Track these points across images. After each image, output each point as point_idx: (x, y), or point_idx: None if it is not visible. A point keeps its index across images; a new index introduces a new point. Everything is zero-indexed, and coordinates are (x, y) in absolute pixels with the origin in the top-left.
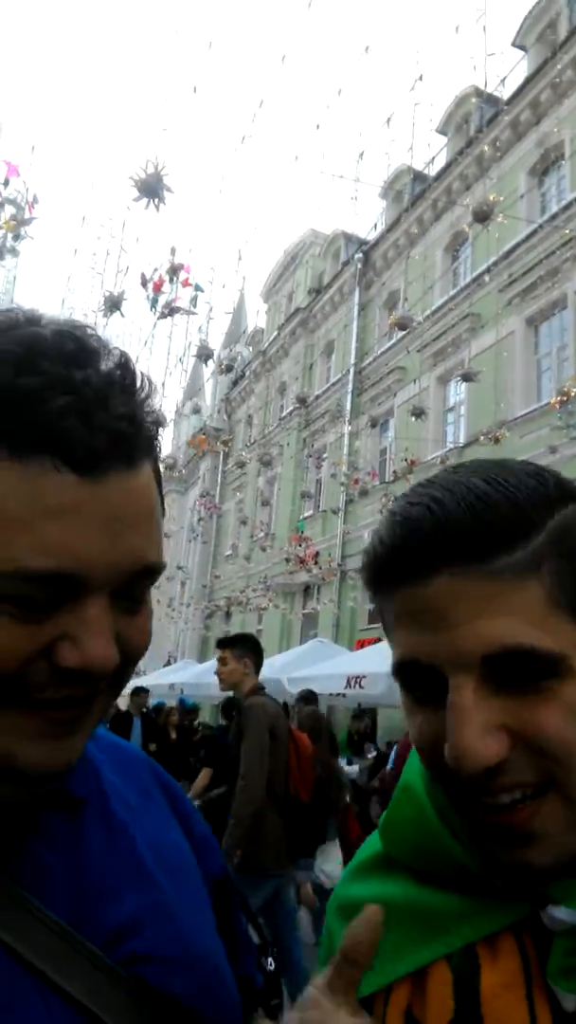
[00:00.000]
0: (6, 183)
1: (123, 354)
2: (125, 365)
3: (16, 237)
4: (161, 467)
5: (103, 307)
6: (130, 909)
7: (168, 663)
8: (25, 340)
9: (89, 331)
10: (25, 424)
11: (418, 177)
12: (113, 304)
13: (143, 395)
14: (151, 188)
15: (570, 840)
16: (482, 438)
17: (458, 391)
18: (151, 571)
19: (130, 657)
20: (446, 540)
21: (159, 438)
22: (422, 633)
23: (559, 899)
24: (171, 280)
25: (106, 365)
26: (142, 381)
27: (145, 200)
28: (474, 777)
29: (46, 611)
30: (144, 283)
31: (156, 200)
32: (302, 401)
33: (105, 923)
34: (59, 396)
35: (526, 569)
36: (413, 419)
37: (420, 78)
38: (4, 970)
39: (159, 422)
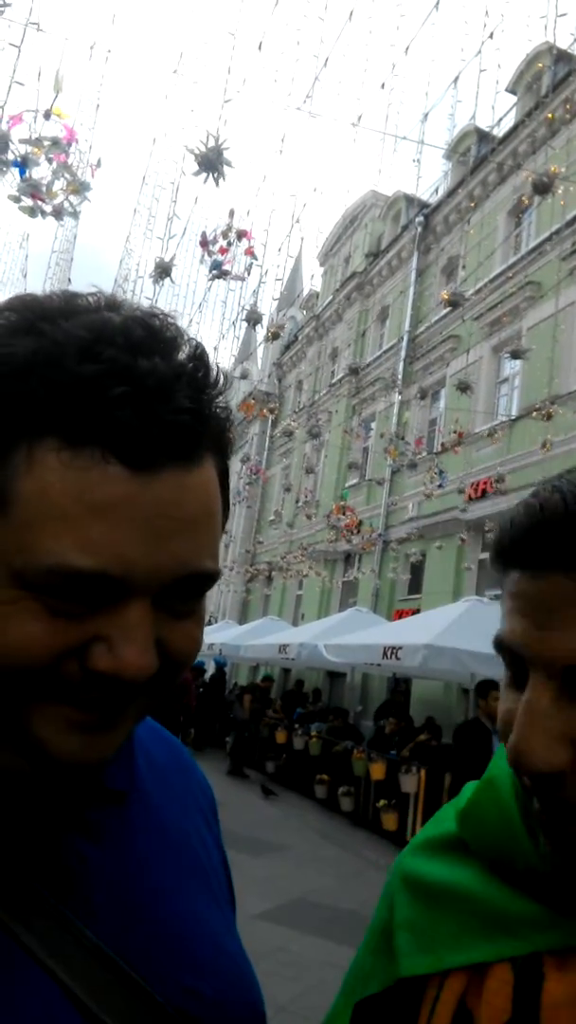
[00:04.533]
0: (67, 147)
1: (199, 345)
2: (199, 357)
3: (76, 202)
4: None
5: (153, 273)
6: (178, 922)
7: (208, 623)
8: (95, 326)
9: (168, 320)
10: (78, 413)
11: (484, 139)
12: (163, 270)
13: (214, 390)
14: (211, 162)
15: None
16: (534, 414)
17: (513, 363)
18: (202, 577)
19: (173, 663)
20: (565, 546)
21: (230, 435)
22: (521, 622)
23: None
24: (230, 244)
25: (178, 356)
26: (216, 375)
27: (207, 175)
28: (531, 778)
29: (84, 609)
30: (204, 243)
31: (215, 174)
32: (354, 371)
33: (152, 939)
34: (117, 385)
35: None
36: (461, 393)
37: (491, 36)
38: (45, 994)
39: (229, 418)
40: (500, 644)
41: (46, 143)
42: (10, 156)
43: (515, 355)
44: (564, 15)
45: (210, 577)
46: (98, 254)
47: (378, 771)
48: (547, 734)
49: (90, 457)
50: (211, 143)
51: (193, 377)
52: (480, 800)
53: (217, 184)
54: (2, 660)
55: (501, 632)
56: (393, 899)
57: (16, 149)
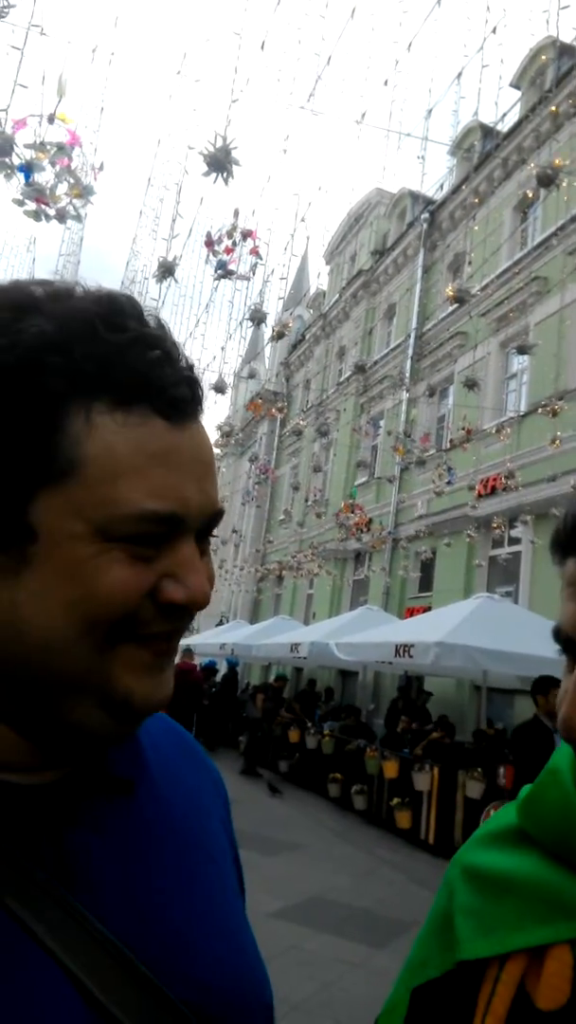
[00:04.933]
0: (71, 151)
1: (156, 315)
2: (163, 324)
3: (79, 205)
4: (218, 433)
5: (157, 273)
6: (187, 915)
7: (220, 623)
8: (102, 301)
9: (152, 310)
10: (126, 375)
11: (489, 134)
12: (167, 270)
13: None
14: (219, 163)
15: None
16: (540, 410)
17: (520, 359)
18: (220, 516)
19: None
20: None
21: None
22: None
23: None
24: (235, 244)
25: (161, 325)
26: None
27: (216, 176)
28: None
29: (153, 552)
30: (210, 243)
31: (224, 174)
32: (360, 369)
33: (159, 931)
34: (150, 349)
35: None
36: (468, 390)
37: (493, 31)
38: (55, 985)
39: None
40: (558, 632)
41: (51, 148)
42: (15, 160)
43: (522, 351)
44: (567, 7)
45: (220, 514)
46: (105, 256)
47: (391, 769)
48: None
49: (141, 415)
50: (219, 143)
51: (174, 339)
52: (541, 787)
53: (226, 183)
54: (102, 608)
55: (559, 620)
56: (453, 888)
57: (21, 154)
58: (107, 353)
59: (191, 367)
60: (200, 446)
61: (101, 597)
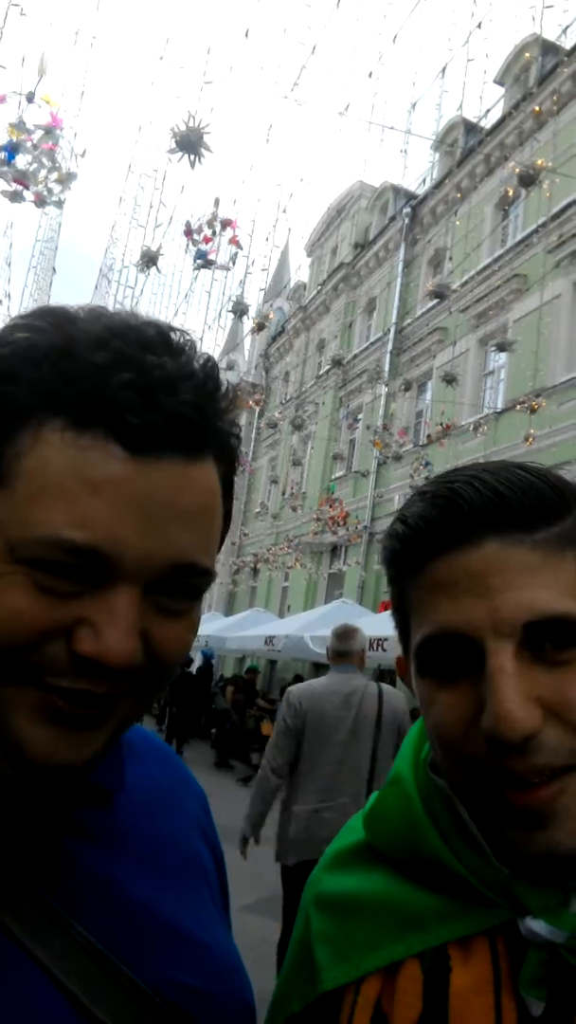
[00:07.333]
0: (57, 135)
1: (210, 359)
2: (210, 369)
3: (58, 191)
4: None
5: (139, 262)
6: (169, 922)
7: None
8: (112, 324)
9: (184, 334)
10: (83, 395)
11: (472, 130)
12: (149, 259)
13: (223, 402)
14: (190, 144)
15: None
16: (518, 407)
17: (498, 356)
18: (195, 572)
19: (160, 662)
20: (494, 508)
21: (236, 449)
22: (462, 600)
23: (537, 912)
24: (215, 234)
25: (189, 364)
26: (226, 390)
27: (182, 155)
28: (511, 747)
29: (72, 589)
30: (189, 232)
31: (194, 156)
32: (337, 363)
33: (142, 935)
34: (123, 372)
35: (565, 543)
36: (446, 385)
37: (479, 25)
38: (38, 988)
39: (235, 433)
40: (433, 640)
41: (37, 132)
42: None
43: (500, 348)
44: (551, 6)
45: (203, 574)
46: (83, 243)
47: None
48: (522, 694)
49: (92, 437)
50: (192, 123)
51: (202, 382)
52: (385, 799)
53: (193, 167)
54: None
55: (436, 626)
56: (309, 914)
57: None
58: (76, 371)
59: (197, 404)
60: (174, 488)
61: None
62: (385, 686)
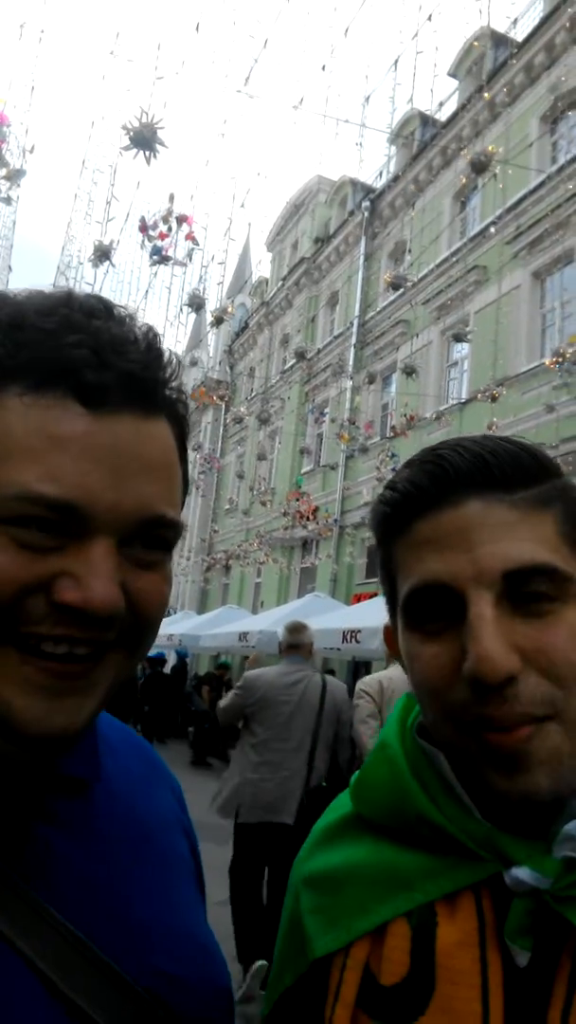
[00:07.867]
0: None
1: (151, 328)
2: (152, 339)
3: (6, 188)
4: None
5: (93, 257)
6: (146, 909)
7: (168, 614)
8: (56, 296)
9: (126, 309)
10: (40, 359)
11: (428, 123)
12: (103, 254)
13: (168, 369)
14: (144, 140)
15: (570, 767)
16: (479, 396)
17: (461, 346)
18: (163, 523)
19: (142, 615)
20: (477, 471)
21: (186, 416)
22: (446, 554)
23: (522, 861)
24: (171, 230)
25: (133, 331)
26: (169, 357)
27: (136, 151)
28: (491, 689)
29: (50, 543)
30: (144, 228)
31: (148, 152)
32: (301, 356)
33: (119, 923)
34: (73, 334)
35: (543, 504)
36: (407, 377)
37: (428, 18)
38: (15, 975)
39: (182, 400)
40: (418, 592)
41: None
42: None
43: (457, 338)
44: None
45: (171, 526)
46: (43, 240)
47: None
48: (502, 638)
49: (52, 397)
50: (145, 119)
51: (145, 348)
52: (371, 764)
53: (148, 163)
54: None
55: (420, 579)
56: (298, 892)
57: None
58: (27, 338)
59: (145, 362)
60: (134, 441)
61: None
62: (329, 677)
